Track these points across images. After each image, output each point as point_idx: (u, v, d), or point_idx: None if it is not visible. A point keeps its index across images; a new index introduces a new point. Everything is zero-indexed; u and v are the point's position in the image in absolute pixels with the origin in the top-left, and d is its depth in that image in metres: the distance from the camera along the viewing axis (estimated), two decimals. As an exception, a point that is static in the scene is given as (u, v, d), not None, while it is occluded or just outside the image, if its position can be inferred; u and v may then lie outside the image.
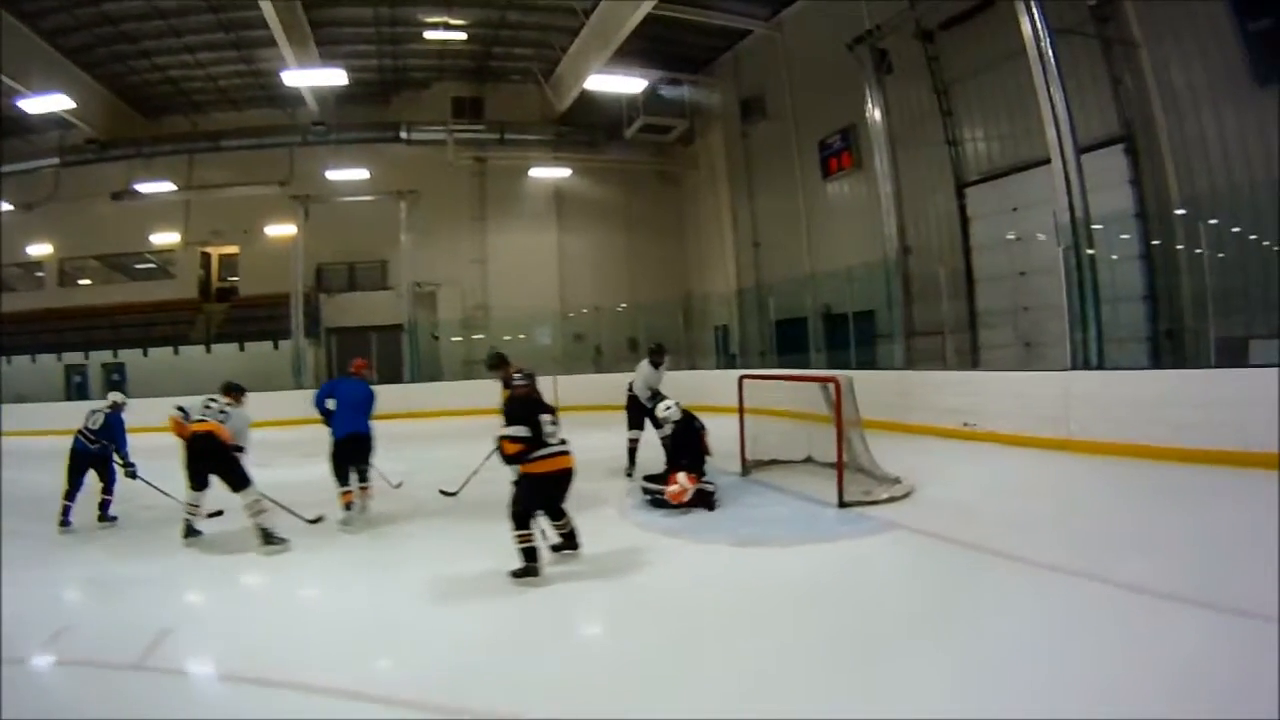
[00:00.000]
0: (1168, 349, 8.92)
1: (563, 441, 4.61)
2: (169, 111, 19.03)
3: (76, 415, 6.69)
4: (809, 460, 7.16)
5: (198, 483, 5.59)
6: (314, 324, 18.19)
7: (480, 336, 18.50)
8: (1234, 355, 7.69)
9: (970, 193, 11.67)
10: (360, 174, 17.74)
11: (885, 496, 5.80)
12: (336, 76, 14.72)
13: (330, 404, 6.25)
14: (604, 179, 19.82)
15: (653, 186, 20.33)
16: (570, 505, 4.73)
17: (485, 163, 19.08)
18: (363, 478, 6.33)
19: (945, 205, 11.99)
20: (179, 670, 3.44)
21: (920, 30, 11.72)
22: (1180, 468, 6.24)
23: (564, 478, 4.60)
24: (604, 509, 6.09)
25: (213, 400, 5.79)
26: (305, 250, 17.62)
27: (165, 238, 19.64)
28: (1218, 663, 2.87)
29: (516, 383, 4.93)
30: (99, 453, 6.38)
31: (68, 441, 6.47)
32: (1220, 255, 8.19)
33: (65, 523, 6.16)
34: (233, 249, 20.16)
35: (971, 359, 11.17)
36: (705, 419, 6.41)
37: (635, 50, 14.72)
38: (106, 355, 17.82)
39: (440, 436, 11.78)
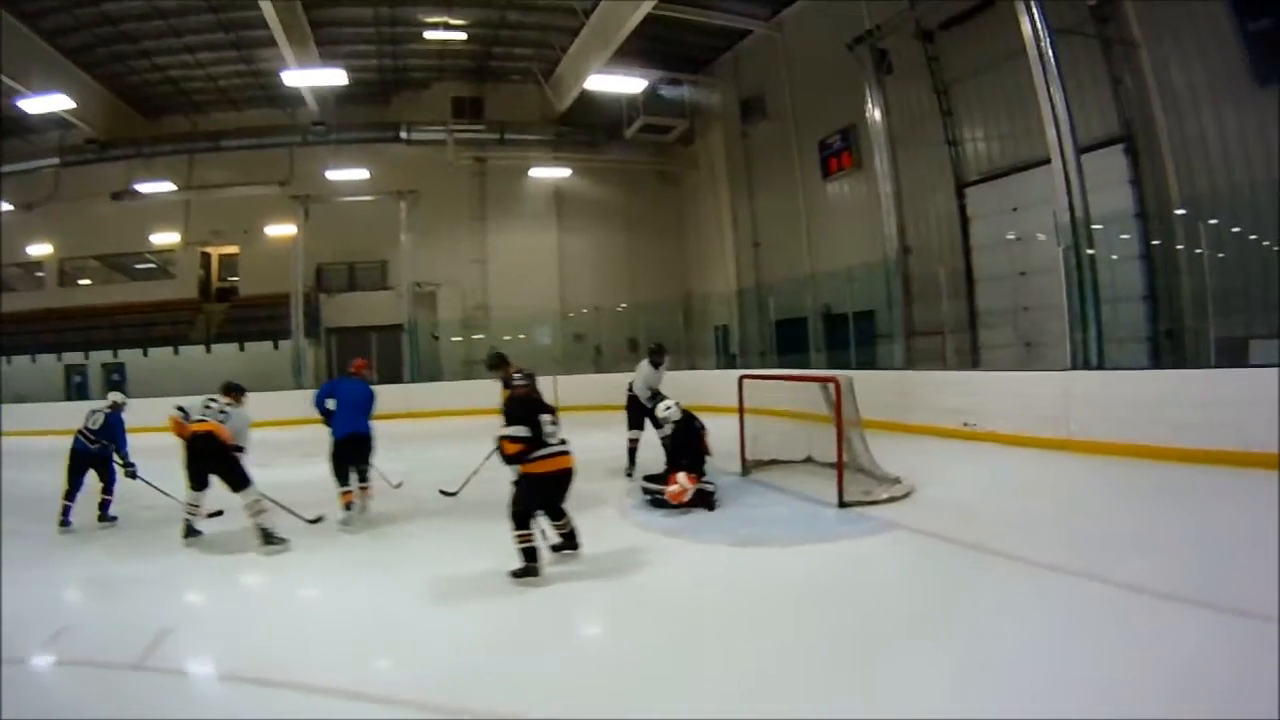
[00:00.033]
0: (1168, 349, 8.92)
1: (563, 441, 4.61)
2: (169, 111, 19.04)
3: (76, 415, 6.69)
4: (809, 460, 7.16)
5: (198, 483, 5.59)
6: (314, 324, 18.19)
7: (480, 336, 18.50)
8: (1234, 355, 7.69)
9: (970, 193, 11.67)
10: (360, 174, 17.74)
11: (885, 496, 5.80)
12: (336, 76, 14.72)
13: (330, 404, 6.25)
14: (604, 179, 19.82)
15: (653, 186, 20.34)
16: (570, 505, 4.73)
17: (485, 163, 19.08)
18: (363, 478, 6.33)
19: (945, 205, 11.99)
20: (179, 670, 3.44)
21: (920, 30, 11.72)
22: (1180, 468, 6.24)
23: (564, 478, 4.60)
24: (604, 509, 6.08)
25: (213, 400, 5.79)
26: (305, 250, 17.63)
27: (165, 238, 19.65)
28: (1218, 663, 2.87)
29: (516, 383, 4.93)
30: (99, 453, 6.38)
31: (68, 441, 6.47)
32: (1220, 255, 8.19)
33: (65, 523, 6.16)
34: (233, 249, 20.17)
35: (971, 359, 11.17)
36: (705, 419, 6.41)
37: (635, 50, 14.72)
38: (106, 355, 17.83)
39: (440, 436, 11.78)
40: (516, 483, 4.57)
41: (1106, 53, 9.31)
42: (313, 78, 15.33)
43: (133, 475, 6.52)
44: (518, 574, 4.31)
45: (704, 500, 5.86)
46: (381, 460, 6.67)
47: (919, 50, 11.84)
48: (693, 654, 3.31)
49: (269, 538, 5.35)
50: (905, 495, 5.87)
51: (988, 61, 10.78)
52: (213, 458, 5.47)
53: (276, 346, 17.68)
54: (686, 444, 6.14)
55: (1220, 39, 8.27)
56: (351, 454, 6.18)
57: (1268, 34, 7.87)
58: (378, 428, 6.50)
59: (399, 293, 18.19)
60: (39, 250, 19.66)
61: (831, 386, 6.06)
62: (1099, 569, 3.88)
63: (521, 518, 4.39)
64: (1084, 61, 9.23)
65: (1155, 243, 9.12)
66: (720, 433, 6.62)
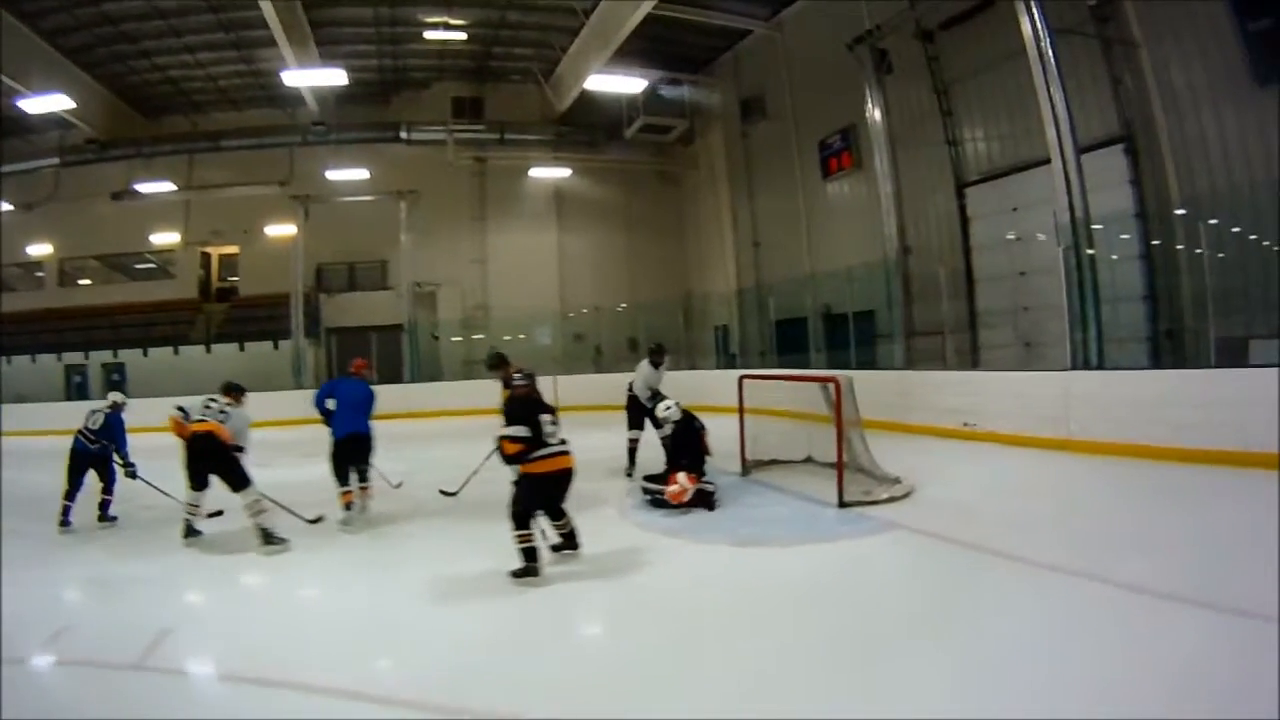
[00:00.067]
0: (1168, 349, 8.92)
1: (563, 441, 4.62)
2: (169, 111, 19.03)
3: (76, 415, 6.69)
4: (809, 460, 7.16)
5: (198, 483, 5.59)
6: (314, 324, 18.19)
7: (480, 336, 18.50)
8: (1234, 355, 7.69)
9: (970, 193, 11.67)
10: (360, 174, 17.74)
11: (885, 496, 5.80)
12: (336, 76, 14.71)
13: (330, 404, 6.25)
14: (604, 179, 19.82)
15: (653, 186, 20.33)
16: (570, 505, 4.73)
17: (485, 163, 19.08)
18: (363, 478, 6.33)
19: (945, 205, 11.99)
20: (179, 670, 3.44)
21: (920, 30, 11.72)
22: (1180, 468, 6.24)
23: (564, 478, 4.60)
24: (604, 509, 6.09)
25: (213, 400, 5.79)
26: (305, 250, 17.63)
27: (165, 238, 19.65)
28: (1218, 663, 2.87)
29: (516, 383, 4.93)
30: (99, 453, 6.38)
31: (68, 441, 6.47)
32: (1220, 255, 8.19)
33: (65, 523, 6.16)
34: (233, 249, 20.16)
35: (971, 359, 11.17)
36: (705, 419, 6.41)
37: (635, 50, 14.72)
38: (106, 355, 17.83)
39: (440, 436, 11.78)
40: (516, 483, 4.57)
41: (1106, 53, 9.31)
42: (313, 78, 15.33)
43: (133, 475, 6.52)
44: (518, 574, 4.31)
45: (704, 500, 5.86)
46: (381, 460, 6.67)
47: (919, 50, 11.84)
48: (693, 654, 3.31)
49: (269, 538, 5.35)
50: (905, 495, 5.87)
51: (988, 61, 10.78)
52: (213, 458, 5.47)
53: (276, 346, 17.68)
54: (686, 444, 6.14)
55: (1220, 39, 8.27)
56: (351, 454, 6.18)
57: (1268, 34, 7.87)
58: (378, 428, 6.50)
59: (399, 293, 18.19)
60: (39, 250, 19.66)
61: (831, 386, 6.06)
62: (1099, 569, 3.88)
63: (521, 518, 4.39)
64: (1084, 61, 9.23)
65: (1155, 243, 9.12)
66: (720, 433, 6.62)
